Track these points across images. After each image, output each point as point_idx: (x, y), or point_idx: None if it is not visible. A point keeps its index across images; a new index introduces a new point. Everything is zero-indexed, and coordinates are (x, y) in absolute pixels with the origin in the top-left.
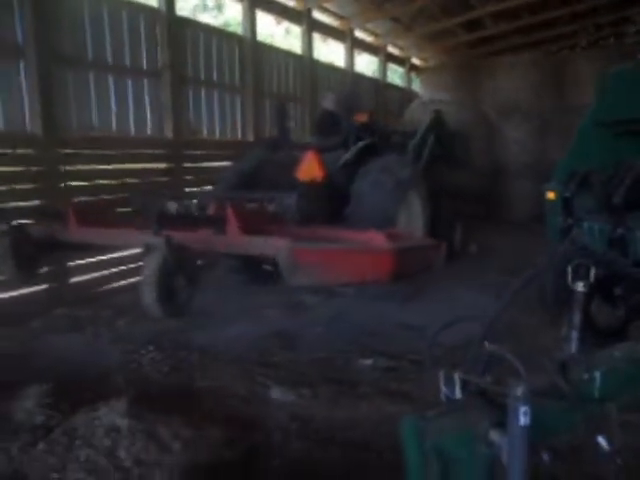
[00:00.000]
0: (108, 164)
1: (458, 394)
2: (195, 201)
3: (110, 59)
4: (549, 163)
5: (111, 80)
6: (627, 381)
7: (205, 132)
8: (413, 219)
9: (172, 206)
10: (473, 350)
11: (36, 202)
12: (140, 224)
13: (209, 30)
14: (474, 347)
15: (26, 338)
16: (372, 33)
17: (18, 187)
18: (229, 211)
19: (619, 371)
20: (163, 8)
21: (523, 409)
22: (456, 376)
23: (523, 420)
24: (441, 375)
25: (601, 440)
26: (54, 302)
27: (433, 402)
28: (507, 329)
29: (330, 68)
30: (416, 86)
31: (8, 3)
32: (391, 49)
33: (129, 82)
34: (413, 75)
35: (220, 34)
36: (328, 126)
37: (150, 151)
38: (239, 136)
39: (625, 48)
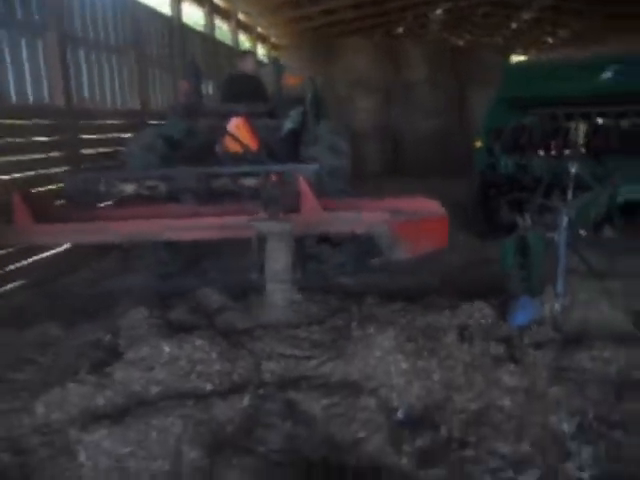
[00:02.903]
0: (103, 134)
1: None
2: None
3: (92, 37)
4: (392, 127)
5: (93, 56)
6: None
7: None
8: None
9: (130, 188)
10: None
11: (65, 168)
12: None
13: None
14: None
15: (95, 281)
16: (246, 14)
17: (51, 155)
18: (302, 184)
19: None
20: None
21: (566, 218)
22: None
23: (565, 221)
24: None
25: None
26: (80, 259)
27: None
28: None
29: (222, 44)
30: None
31: None
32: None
33: (103, 57)
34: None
35: (157, 16)
36: (245, 90)
37: (124, 121)
38: None
39: (430, 35)
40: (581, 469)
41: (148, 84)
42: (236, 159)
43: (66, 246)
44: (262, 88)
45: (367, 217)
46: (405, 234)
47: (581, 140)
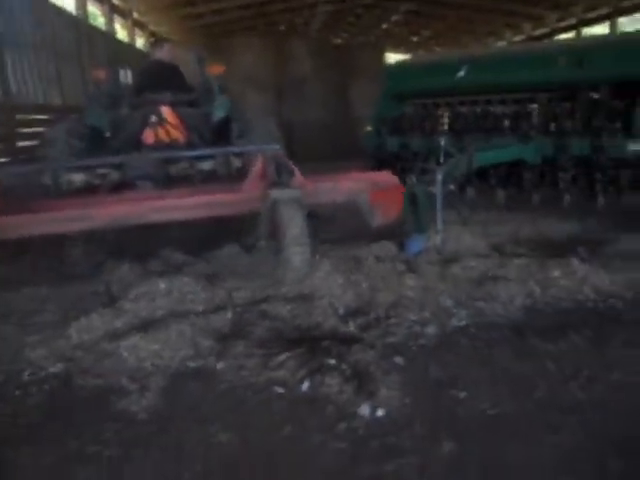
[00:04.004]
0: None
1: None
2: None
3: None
4: (284, 120)
5: (16, 55)
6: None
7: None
8: None
9: (78, 177)
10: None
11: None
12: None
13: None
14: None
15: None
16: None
17: None
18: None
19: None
20: None
21: (440, 176)
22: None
23: (439, 178)
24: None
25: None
26: None
27: None
28: None
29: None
30: None
31: None
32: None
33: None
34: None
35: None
36: (164, 78)
37: (50, 116)
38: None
39: (312, 33)
40: (459, 322)
41: (64, 80)
42: (167, 148)
43: None
44: (181, 76)
45: (348, 187)
46: (379, 202)
47: (446, 122)
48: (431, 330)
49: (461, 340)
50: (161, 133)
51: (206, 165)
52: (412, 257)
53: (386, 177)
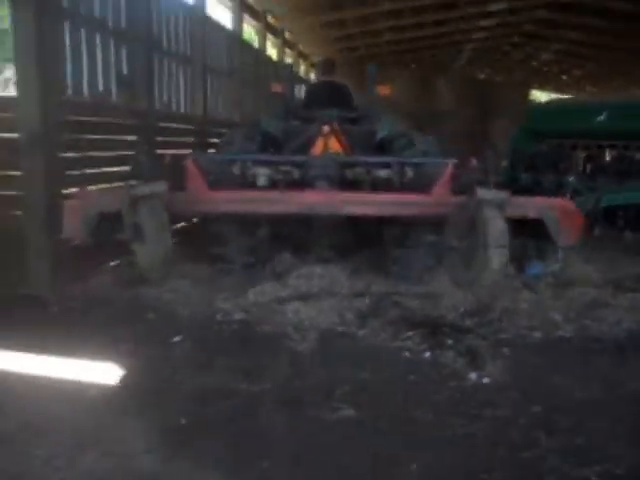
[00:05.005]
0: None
1: None
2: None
3: (215, 66)
4: None
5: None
6: None
7: None
8: None
9: (263, 171)
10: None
11: None
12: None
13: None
14: None
15: None
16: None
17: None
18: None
19: None
20: None
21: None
22: None
23: None
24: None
25: None
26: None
27: None
28: None
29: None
30: None
31: None
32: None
33: (216, 81)
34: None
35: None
36: (333, 96)
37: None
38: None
39: (456, 67)
40: (565, 333)
41: (243, 102)
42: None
43: None
44: (348, 95)
45: (539, 204)
46: (566, 223)
47: (580, 163)
48: (538, 335)
49: (564, 346)
50: (330, 145)
51: (383, 173)
52: (530, 279)
53: (564, 203)
